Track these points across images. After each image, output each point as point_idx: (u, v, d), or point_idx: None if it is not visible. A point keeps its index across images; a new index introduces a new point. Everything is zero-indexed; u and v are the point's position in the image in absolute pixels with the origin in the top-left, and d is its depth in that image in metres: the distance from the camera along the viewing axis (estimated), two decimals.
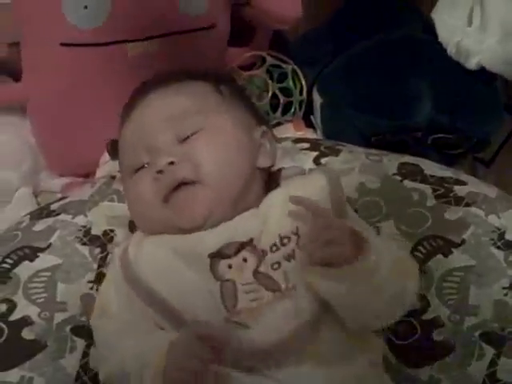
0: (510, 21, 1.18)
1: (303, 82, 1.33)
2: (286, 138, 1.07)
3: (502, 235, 0.89)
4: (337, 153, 1.02)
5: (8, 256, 0.92)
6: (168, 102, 0.87)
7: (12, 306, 0.87)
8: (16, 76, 1.29)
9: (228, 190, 0.81)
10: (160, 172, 0.81)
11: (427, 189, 0.94)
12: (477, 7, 1.22)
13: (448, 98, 1.23)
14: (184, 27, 1.19)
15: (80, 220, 0.96)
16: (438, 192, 0.94)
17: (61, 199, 1.03)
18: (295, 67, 1.33)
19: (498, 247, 0.88)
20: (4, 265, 0.91)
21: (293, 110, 1.32)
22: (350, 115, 1.25)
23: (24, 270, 0.90)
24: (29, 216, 1.00)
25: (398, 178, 0.96)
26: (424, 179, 0.96)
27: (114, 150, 1.02)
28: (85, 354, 0.85)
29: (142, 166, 0.84)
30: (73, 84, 1.20)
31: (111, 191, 1.00)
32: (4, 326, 0.85)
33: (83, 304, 0.88)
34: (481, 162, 1.30)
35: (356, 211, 0.90)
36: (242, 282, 0.76)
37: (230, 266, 0.77)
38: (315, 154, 1.01)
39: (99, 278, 0.90)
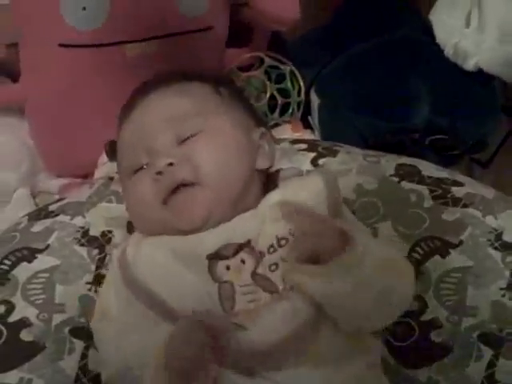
0: (507, 22, 1.18)
1: (301, 83, 1.33)
2: (283, 139, 1.07)
3: (499, 236, 0.89)
4: (334, 154, 1.02)
5: (6, 257, 0.92)
6: (167, 103, 0.87)
7: (10, 308, 0.87)
8: (14, 77, 1.29)
9: (227, 192, 0.81)
10: (159, 173, 0.81)
11: (424, 190, 0.94)
12: (475, 8, 1.22)
13: (446, 100, 1.23)
14: (183, 28, 1.19)
15: (78, 221, 0.96)
16: (436, 193, 0.94)
17: (59, 200, 1.03)
18: (293, 68, 1.33)
19: (496, 248, 0.88)
20: (2, 266, 0.91)
21: (291, 110, 1.32)
22: (348, 116, 1.26)
23: (22, 271, 0.90)
24: (27, 217, 1.00)
25: (396, 179, 0.96)
26: (421, 180, 0.96)
27: (112, 151, 1.02)
28: (83, 356, 0.85)
29: (141, 167, 0.84)
30: (71, 85, 1.20)
31: (109, 192, 1.00)
32: (2, 327, 0.85)
33: (82, 306, 0.88)
34: (478, 163, 1.31)
35: (354, 212, 0.90)
36: (240, 283, 0.76)
37: (227, 268, 0.77)
38: (313, 154, 1.01)
39: (97, 279, 0.90)
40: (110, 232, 0.95)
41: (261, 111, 1.26)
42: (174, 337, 0.70)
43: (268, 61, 1.32)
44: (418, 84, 1.23)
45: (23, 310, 0.87)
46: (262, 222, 0.79)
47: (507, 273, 0.86)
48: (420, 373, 0.83)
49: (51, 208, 1.00)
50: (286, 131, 1.26)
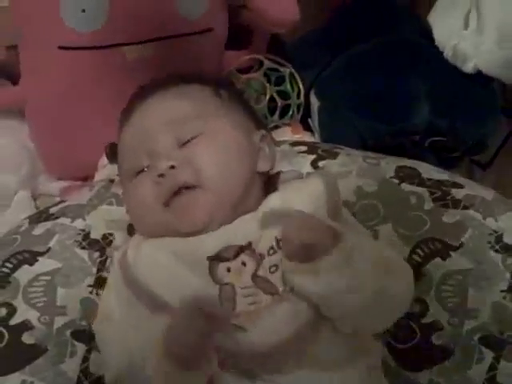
0: (506, 24, 1.18)
1: (300, 86, 1.33)
2: (283, 141, 1.08)
3: (499, 238, 0.89)
4: (334, 156, 1.02)
5: (7, 260, 0.92)
6: (167, 106, 0.87)
7: (12, 311, 0.87)
8: (14, 79, 1.29)
9: (229, 195, 0.81)
10: (161, 176, 0.81)
11: (425, 192, 0.94)
12: (473, 11, 1.22)
13: (445, 101, 1.23)
14: (182, 31, 1.19)
15: (79, 224, 0.96)
16: (436, 195, 0.94)
17: (59, 203, 1.03)
18: (293, 70, 1.33)
19: (496, 250, 0.88)
20: (3, 269, 0.91)
21: (290, 113, 1.32)
22: (348, 118, 1.25)
23: (23, 274, 0.90)
24: (28, 220, 1.00)
25: (396, 181, 0.96)
26: (421, 182, 0.96)
27: (112, 153, 1.02)
28: (85, 359, 0.85)
29: (142, 170, 0.84)
30: (71, 87, 1.20)
31: (110, 195, 1.00)
32: (4, 330, 0.85)
33: (83, 309, 0.88)
34: (478, 164, 1.31)
35: (354, 215, 0.90)
36: (241, 285, 0.76)
37: (228, 270, 0.77)
38: (313, 157, 1.02)
39: (98, 281, 0.90)
40: (110, 235, 0.95)
41: (260, 113, 1.26)
42: (173, 324, 0.70)
43: (267, 63, 1.32)
44: (417, 86, 1.23)
45: (25, 312, 0.87)
46: (263, 225, 0.79)
47: (508, 275, 0.86)
48: (421, 375, 0.83)
49: (52, 211, 1.00)
50: (286, 133, 1.26)
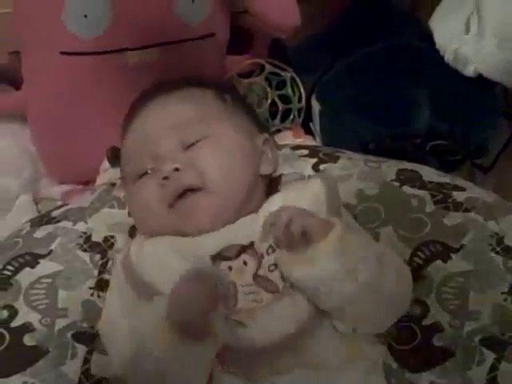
0: (506, 28, 1.18)
1: (302, 90, 1.33)
2: (284, 145, 1.08)
3: (500, 240, 0.89)
4: (335, 159, 1.02)
5: (9, 263, 0.92)
6: (170, 110, 0.88)
7: (13, 313, 0.87)
8: (16, 84, 1.29)
9: (232, 198, 0.82)
10: (166, 178, 0.82)
11: (426, 195, 0.94)
12: (474, 15, 1.22)
13: (446, 105, 1.23)
14: (184, 36, 1.19)
15: (80, 227, 0.96)
16: (437, 198, 0.94)
17: (61, 206, 1.03)
18: (294, 75, 1.33)
19: (497, 252, 0.88)
20: (5, 271, 0.91)
21: (292, 117, 1.33)
22: (349, 122, 1.26)
23: (25, 276, 0.91)
24: (29, 223, 1.00)
25: (397, 184, 0.96)
26: (423, 185, 0.96)
27: (113, 157, 1.03)
28: (86, 361, 0.85)
29: (145, 173, 0.85)
30: (72, 92, 1.20)
31: (111, 198, 1.00)
32: (5, 332, 0.86)
33: (85, 311, 0.88)
34: (479, 168, 1.31)
35: (355, 217, 0.91)
36: (242, 283, 0.77)
37: (230, 268, 0.78)
38: (314, 160, 1.02)
39: (100, 284, 0.90)
40: (112, 237, 0.95)
41: (262, 117, 1.26)
42: (178, 286, 0.71)
43: (269, 67, 1.33)
44: (418, 89, 1.23)
45: (26, 314, 0.87)
46: (264, 225, 0.80)
47: (509, 277, 0.86)
48: (422, 377, 0.82)
49: (53, 214, 1.00)
50: (288, 137, 1.26)
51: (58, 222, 0.98)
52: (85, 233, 0.95)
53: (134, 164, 0.87)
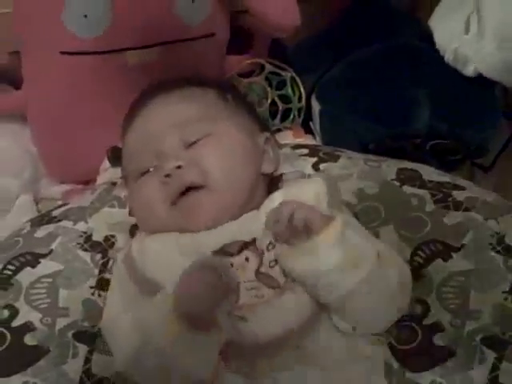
0: (506, 28, 1.18)
1: (302, 90, 1.33)
2: (284, 145, 1.08)
3: (501, 239, 0.88)
4: (335, 159, 1.02)
5: (9, 262, 0.92)
6: (172, 108, 0.88)
7: (14, 312, 0.87)
8: (17, 84, 1.29)
9: (235, 197, 0.83)
10: (168, 176, 0.82)
11: (426, 194, 0.94)
12: (474, 14, 1.22)
13: (446, 105, 1.23)
14: (184, 36, 1.19)
15: (81, 226, 0.96)
16: (437, 197, 0.94)
17: (62, 206, 1.04)
18: (294, 75, 1.33)
19: (498, 251, 0.88)
20: (6, 271, 0.91)
21: (292, 116, 1.33)
22: (349, 122, 1.26)
23: (26, 276, 0.91)
24: (30, 223, 1.00)
25: (397, 183, 0.96)
26: (423, 184, 0.96)
27: (114, 156, 1.03)
28: (87, 360, 0.85)
29: (147, 171, 0.85)
30: (72, 92, 1.20)
31: (111, 197, 1.00)
32: (6, 332, 0.86)
33: (85, 310, 0.88)
34: (479, 167, 1.31)
35: (355, 216, 0.91)
36: (244, 279, 0.77)
37: (231, 265, 0.78)
38: (314, 159, 1.02)
39: (100, 283, 0.90)
40: (112, 236, 0.95)
41: (262, 117, 1.26)
42: (185, 276, 0.71)
43: (269, 67, 1.33)
44: (418, 89, 1.23)
45: (27, 314, 0.87)
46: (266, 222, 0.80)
47: (510, 276, 0.86)
48: (423, 376, 0.82)
49: (54, 213, 1.00)
50: (288, 137, 1.27)
51: (59, 221, 0.98)
52: (85, 232, 0.95)
53: (135, 162, 0.87)
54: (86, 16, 1.13)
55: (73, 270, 0.91)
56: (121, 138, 0.94)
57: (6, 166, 1.24)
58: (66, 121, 1.23)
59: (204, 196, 0.82)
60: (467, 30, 1.24)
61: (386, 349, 0.83)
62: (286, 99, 1.33)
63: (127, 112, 0.94)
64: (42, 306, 0.88)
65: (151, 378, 0.73)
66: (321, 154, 1.03)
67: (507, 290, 0.85)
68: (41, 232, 0.96)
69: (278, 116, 1.31)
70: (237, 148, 0.85)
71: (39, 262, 0.92)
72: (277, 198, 0.83)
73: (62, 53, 1.17)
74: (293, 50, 1.40)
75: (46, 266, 0.91)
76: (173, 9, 1.16)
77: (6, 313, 0.87)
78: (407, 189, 0.95)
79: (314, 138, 1.31)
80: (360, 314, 0.77)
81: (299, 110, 1.33)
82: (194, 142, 0.84)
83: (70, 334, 0.86)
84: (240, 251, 0.79)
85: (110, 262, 0.92)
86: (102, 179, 1.15)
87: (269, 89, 1.32)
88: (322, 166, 1.00)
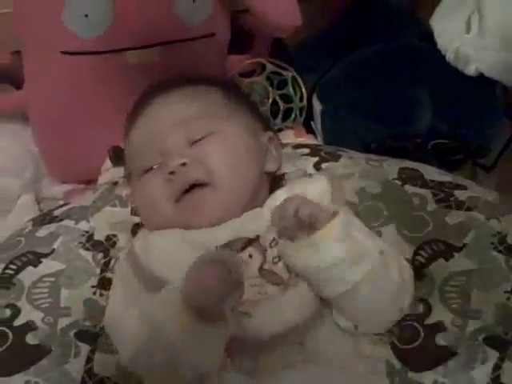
0: (507, 27, 1.18)
1: (303, 89, 1.33)
2: (286, 144, 1.08)
3: (503, 239, 0.88)
4: (337, 158, 1.02)
5: (11, 262, 0.92)
6: (175, 107, 0.88)
7: (16, 312, 0.87)
8: (18, 84, 1.29)
9: (239, 195, 0.83)
10: (172, 173, 0.82)
11: (428, 193, 0.94)
12: (475, 14, 1.22)
13: (447, 105, 1.23)
14: (184, 36, 1.19)
15: (83, 225, 0.97)
16: (439, 196, 0.94)
17: (63, 205, 1.04)
18: (295, 74, 1.33)
19: (500, 251, 0.87)
20: (7, 271, 0.91)
21: (293, 116, 1.33)
22: (350, 122, 1.26)
23: (28, 275, 0.91)
24: (31, 222, 1.00)
25: (399, 182, 0.96)
26: (424, 184, 0.96)
27: (115, 156, 1.03)
28: (89, 359, 0.85)
29: (151, 168, 0.85)
30: (74, 91, 1.20)
31: (113, 197, 1.00)
32: (8, 331, 0.86)
33: (87, 310, 0.88)
34: (481, 167, 1.31)
35: (357, 215, 0.90)
36: (248, 276, 0.77)
37: None
38: (315, 159, 1.02)
39: (102, 282, 0.91)
40: (114, 236, 0.95)
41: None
42: (193, 269, 0.71)
43: (270, 67, 1.33)
44: (419, 89, 1.23)
45: (29, 313, 0.87)
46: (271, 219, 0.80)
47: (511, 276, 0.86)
48: (425, 376, 0.82)
49: (56, 213, 1.00)
50: (289, 136, 1.27)
51: (61, 220, 0.98)
52: (87, 232, 0.95)
53: (139, 160, 0.87)
54: (86, 16, 1.14)
55: (74, 270, 0.91)
56: (123, 136, 0.94)
57: (7, 166, 1.24)
58: (67, 120, 1.23)
59: (208, 193, 0.82)
60: (468, 30, 1.24)
61: (388, 348, 0.83)
62: (287, 99, 1.32)
63: (130, 111, 0.94)
64: (44, 305, 0.88)
65: (157, 373, 0.73)
66: (322, 154, 1.03)
67: (509, 289, 0.85)
68: (42, 231, 0.96)
69: (280, 115, 1.31)
70: (241, 146, 0.86)
71: (41, 262, 0.92)
72: (280, 195, 0.83)
73: (63, 53, 1.17)
74: (294, 49, 1.40)
75: (48, 266, 0.91)
76: (173, 9, 1.16)
77: (8, 312, 0.87)
78: (409, 188, 0.95)
79: (316, 137, 1.31)
80: (361, 312, 0.77)
81: (300, 109, 1.33)
82: (199, 140, 0.85)
83: (71, 334, 0.87)
84: (243, 248, 0.79)
85: (112, 262, 0.92)
86: (103, 179, 1.15)
87: (270, 88, 1.32)
88: (323, 166, 1.01)
